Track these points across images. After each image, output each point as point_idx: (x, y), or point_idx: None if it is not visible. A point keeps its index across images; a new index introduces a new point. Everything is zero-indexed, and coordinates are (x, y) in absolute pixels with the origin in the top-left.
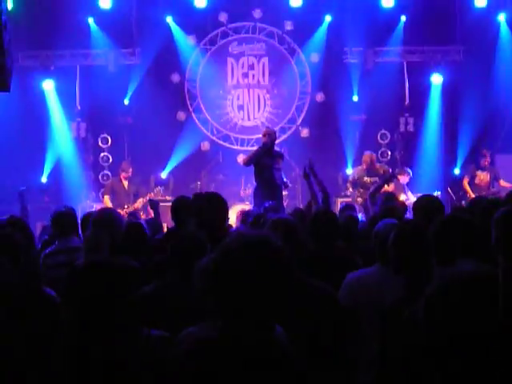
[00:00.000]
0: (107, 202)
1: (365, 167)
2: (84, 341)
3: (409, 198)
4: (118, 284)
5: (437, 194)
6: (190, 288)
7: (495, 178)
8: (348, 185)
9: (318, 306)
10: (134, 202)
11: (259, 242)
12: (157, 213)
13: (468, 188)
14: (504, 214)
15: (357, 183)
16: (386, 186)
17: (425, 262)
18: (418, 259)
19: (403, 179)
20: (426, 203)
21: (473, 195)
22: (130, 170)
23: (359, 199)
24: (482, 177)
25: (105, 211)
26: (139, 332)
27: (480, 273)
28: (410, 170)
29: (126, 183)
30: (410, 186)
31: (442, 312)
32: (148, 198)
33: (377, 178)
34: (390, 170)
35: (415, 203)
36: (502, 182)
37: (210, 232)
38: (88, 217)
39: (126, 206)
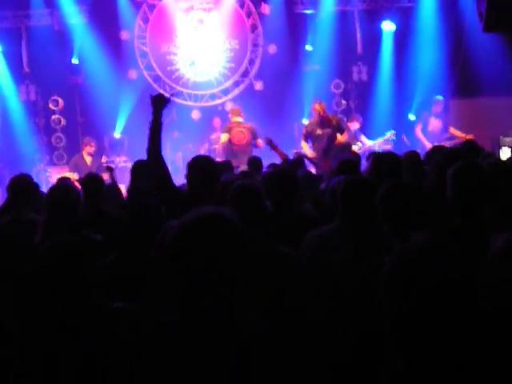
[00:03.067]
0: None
1: (317, 119)
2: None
3: (364, 143)
4: (79, 265)
5: (390, 133)
6: (147, 259)
7: (446, 125)
8: (302, 138)
9: (282, 272)
10: None
11: (212, 219)
12: (113, 177)
13: (421, 135)
14: (456, 170)
15: (310, 136)
16: (338, 136)
17: (373, 218)
18: (365, 215)
19: (353, 126)
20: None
21: (427, 143)
22: (94, 144)
23: (313, 152)
24: (436, 123)
25: (61, 187)
26: (102, 305)
27: (432, 244)
28: (358, 116)
29: (88, 159)
30: (365, 132)
31: (399, 288)
32: (105, 163)
33: (329, 130)
34: (344, 119)
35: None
36: (452, 130)
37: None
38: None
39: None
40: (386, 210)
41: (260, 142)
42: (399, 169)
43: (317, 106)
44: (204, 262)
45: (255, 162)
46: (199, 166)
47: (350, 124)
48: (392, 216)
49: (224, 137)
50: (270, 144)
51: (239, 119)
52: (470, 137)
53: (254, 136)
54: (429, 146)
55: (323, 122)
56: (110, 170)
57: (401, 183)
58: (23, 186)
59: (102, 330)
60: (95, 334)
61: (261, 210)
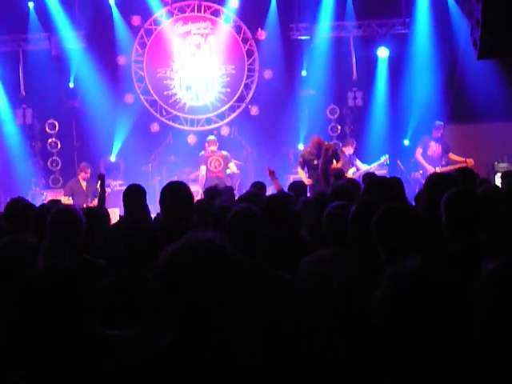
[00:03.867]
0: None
1: (314, 151)
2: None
3: (359, 167)
4: (73, 289)
5: (384, 158)
6: (144, 283)
7: (445, 151)
8: (298, 166)
9: (281, 295)
10: (92, 202)
11: (203, 246)
12: (102, 186)
13: (421, 159)
14: (450, 196)
15: (306, 165)
16: (334, 162)
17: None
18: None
19: (348, 150)
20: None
21: (429, 166)
22: (89, 171)
23: (309, 180)
24: (435, 148)
25: (63, 211)
26: (95, 332)
27: (425, 269)
28: (352, 140)
29: (84, 184)
30: (360, 157)
31: (393, 313)
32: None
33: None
34: (340, 144)
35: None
36: (451, 155)
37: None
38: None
39: (84, 206)
40: (381, 233)
41: (231, 166)
42: (393, 192)
43: (315, 140)
44: (197, 287)
45: (259, 187)
46: (172, 192)
47: (344, 149)
48: (387, 240)
49: (203, 169)
50: (272, 175)
51: (214, 148)
52: (470, 161)
53: (227, 162)
54: (431, 169)
55: (320, 152)
56: (101, 178)
57: (396, 207)
58: (20, 209)
59: (94, 356)
60: (87, 360)
61: (259, 234)
